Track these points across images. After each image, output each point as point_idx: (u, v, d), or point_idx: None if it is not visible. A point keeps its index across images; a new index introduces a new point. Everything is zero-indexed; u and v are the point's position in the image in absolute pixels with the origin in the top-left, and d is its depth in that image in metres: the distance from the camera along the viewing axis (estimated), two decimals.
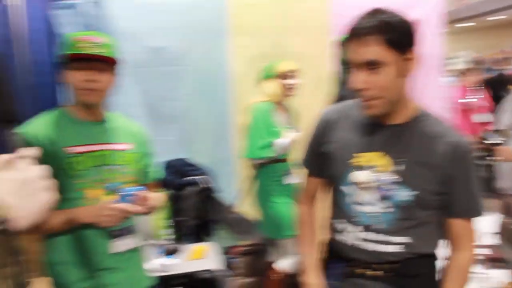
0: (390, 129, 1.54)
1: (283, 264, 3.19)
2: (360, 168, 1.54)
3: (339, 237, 1.64)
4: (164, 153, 3.95)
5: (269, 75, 3.22)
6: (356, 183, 1.55)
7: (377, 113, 1.48)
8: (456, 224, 1.58)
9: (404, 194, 1.50)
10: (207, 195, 3.74)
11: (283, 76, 3.20)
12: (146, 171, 1.98)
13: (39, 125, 1.74)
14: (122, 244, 1.80)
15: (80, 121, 1.80)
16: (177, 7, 3.90)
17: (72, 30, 3.61)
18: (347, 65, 1.66)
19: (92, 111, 1.82)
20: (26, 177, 0.89)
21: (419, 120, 1.55)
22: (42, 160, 1.62)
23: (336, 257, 1.67)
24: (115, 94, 3.87)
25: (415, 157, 1.50)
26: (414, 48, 1.43)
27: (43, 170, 0.93)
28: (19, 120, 1.00)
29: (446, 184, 1.51)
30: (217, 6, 3.89)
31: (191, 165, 3.92)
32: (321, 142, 1.66)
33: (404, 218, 1.53)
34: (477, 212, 1.59)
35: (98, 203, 1.72)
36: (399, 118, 1.54)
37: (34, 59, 3.63)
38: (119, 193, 1.69)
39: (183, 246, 3.38)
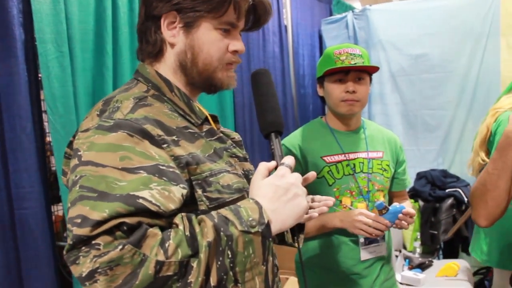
0: None
1: None
2: None
3: None
4: (421, 163, 3.87)
5: None
6: None
7: None
8: None
9: None
10: (465, 210, 3.50)
11: None
12: (399, 180, 1.96)
13: (299, 136, 1.87)
14: (372, 252, 1.83)
15: (337, 130, 1.87)
16: (441, 12, 3.77)
17: (338, 43, 3.83)
18: None
19: (349, 120, 1.87)
20: (284, 184, 0.92)
21: None
22: (302, 168, 1.78)
23: None
24: (373, 103, 3.99)
25: None
26: None
27: (299, 177, 0.96)
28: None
29: None
30: (487, 6, 3.60)
31: (450, 176, 3.73)
32: None
33: None
34: None
35: (357, 211, 1.72)
36: None
37: (300, 72, 4.00)
38: (386, 210, 1.68)
39: (433, 261, 3.24)
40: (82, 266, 0.72)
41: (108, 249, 0.72)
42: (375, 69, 1.80)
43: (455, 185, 3.60)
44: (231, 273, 0.80)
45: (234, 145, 1.09)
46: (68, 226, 0.76)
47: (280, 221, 0.89)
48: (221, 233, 0.79)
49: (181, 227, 0.79)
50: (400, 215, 1.66)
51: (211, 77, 1.03)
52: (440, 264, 3.17)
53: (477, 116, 3.70)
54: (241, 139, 1.15)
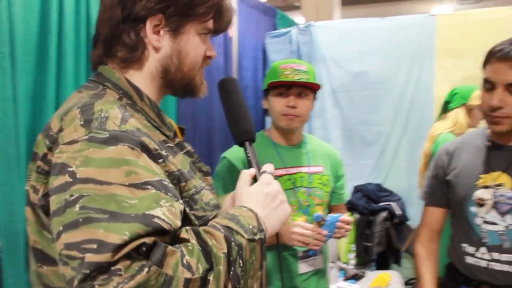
0: (510, 150, 1.61)
1: None
2: (486, 187, 1.59)
3: (467, 260, 1.65)
4: (358, 177, 3.98)
5: (463, 102, 2.83)
6: (482, 203, 1.59)
7: (504, 130, 1.55)
8: None
9: None
10: (397, 223, 3.65)
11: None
12: (338, 194, 2.01)
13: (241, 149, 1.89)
14: (309, 265, 1.85)
15: (279, 145, 1.89)
16: (381, 32, 3.92)
17: (281, 57, 3.91)
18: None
19: (291, 135, 1.90)
20: (272, 190, 0.96)
21: None
22: None
23: (458, 280, 1.68)
24: (313, 117, 4.07)
25: None
26: None
27: (280, 184, 1.00)
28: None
29: None
30: (424, 29, 3.79)
31: (384, 190, 3.87)
32: (445, 172, 1.72)
33: None
34: None
35: (292, 224, 1.72)
36: None
37: (243, 84, 4.02)
38: (323, 221, 1.72)
39: (366, 272, 3.36)
40: None
41: (131, 273, 0.67)
42: (317, 86, 1.84)
43: (389, 198, 3.73)
44: (242, 281, 0.80)
45: (199, 159, 1.07)
46: (71, 253, 0.70)
47: (271, 226, 0.92)
48: (232, 243, 0.80)
49: (193, 241, 0.78)
50: (338, 223, 1.71)
51: (191, 83, 1.01)
52: (373, 275, 3.29)
53: (412, 133, 3.87)
54: (193, 150, 1.11)
